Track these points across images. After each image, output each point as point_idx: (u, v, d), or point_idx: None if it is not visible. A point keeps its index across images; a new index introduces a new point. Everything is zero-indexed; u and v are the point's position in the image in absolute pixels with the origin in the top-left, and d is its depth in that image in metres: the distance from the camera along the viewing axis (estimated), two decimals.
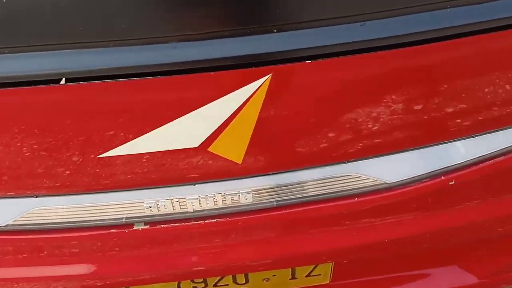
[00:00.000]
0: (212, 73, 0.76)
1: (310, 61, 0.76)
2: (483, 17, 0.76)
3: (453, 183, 0.97)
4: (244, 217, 0.97)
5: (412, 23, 0.75)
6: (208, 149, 0.85)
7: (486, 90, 0.87)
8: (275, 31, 0.75)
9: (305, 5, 0.74)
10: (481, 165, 0.96)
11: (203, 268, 1.05)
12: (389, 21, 0.75)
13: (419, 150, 0.95)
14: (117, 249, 0.97)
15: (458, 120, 0.91)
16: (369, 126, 0.89)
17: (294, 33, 0.75)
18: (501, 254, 1.15)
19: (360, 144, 0.91)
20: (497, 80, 0.87)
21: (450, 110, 0.89)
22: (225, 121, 0.81)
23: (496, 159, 0.95)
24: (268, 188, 0.95)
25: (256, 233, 1.00)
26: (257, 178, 0.93)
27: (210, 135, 0.83)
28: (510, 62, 0.84)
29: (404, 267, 1.20)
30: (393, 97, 0.86)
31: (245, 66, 0.76)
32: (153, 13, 0.73)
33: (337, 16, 0.75)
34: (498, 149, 0.94)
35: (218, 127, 0.81)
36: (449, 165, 0.95)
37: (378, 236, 1.02)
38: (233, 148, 0.85)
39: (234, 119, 0.81)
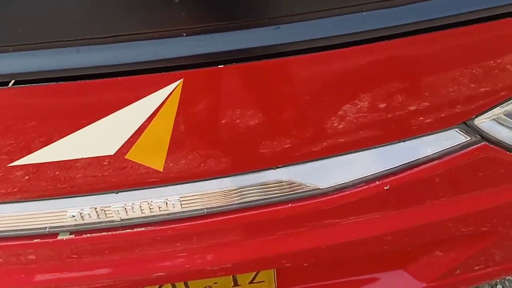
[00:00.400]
0: (119, 78, 0.73)
1: (222, 66, 0.74)
2: (396, 21, 0.74)
3: (388, 188, 0.95)
4: (174, 225, 0.94)
5: (327, 26, 0.73)
6: (126, 157, 0.82)
7: (414, 95, 0.84)
8: (184, 34, 0.72)
9: (215, 8, 0.71)
10: (415, 169, 0.93)
11: (137, 277, 1.02)
12: (304, 24, 0.73)
13: (351, 155, 0.92)
14: (41, 259, 0.94)
15: (389, 125, 0.89)
16: (297, 131, 0.87)
17: (205, 37, 0.71)
18: (445, 258, 1.13)
19: (290, 150, 0.88)
20: (425, 85, 0.84)
21: (380, 114, 0.87)
22: (139, 128, 0.78)
23: (430, 163, 0.93)
24: (196, 196, 0.91)
25: (189, 241, 0.97)
26: (183, 185, 0.90)
27: (125, 142, 0.79)
28: (435, 66, 0.82)
29: (350, 272, 1.18)
30: (318, 101, 0.83)
31: (154, 71, 0.73)
32: (55, 15, 0.70)
33: (249, 20, 0.72)
34: (432, 153, 0.92)
35: (132, 134, 0.78)
36: (382, 170, 0.93)
37: (315, 242, 0.99)
38: (152, 156, 0.82)
39: (149, 126, 0.78)
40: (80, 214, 0.91)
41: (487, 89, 0.87)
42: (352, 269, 1.16)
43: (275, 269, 1.09)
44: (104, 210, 0.92)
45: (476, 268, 1.15)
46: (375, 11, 0.74)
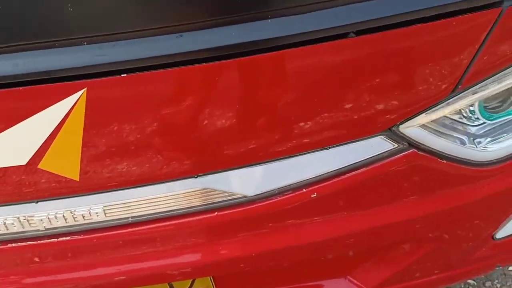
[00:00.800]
0: (21, 88, 0.72)
1: (125, 75, 0.73)
2: (309, 28, 0.72)
3: (315, 195, 0.94)
4: (100, 234, 0.93)
5: (231, 34, 0.72)
6: (39, 166, 0.81)
7: (333, 102, 0.83)
8: (85, 43, 0.71)
9: (114, 16, 0.70)
10: (342, 177, 0.92)
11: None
12: (208, 32, 0.72)
13: (276, 162, 0.91)
14: None
15: (314, 131, 0.87)
16: (217, 138, 0.85)
17: (106, 45, 0.71)
18: (387, 264, 1.11)
19: (210, 158, 0.87)
20: (345, 91, 0.83)
21: (301, 122, 0.86)
22: (48, 138, 0.76)
23: (358, 170, 0.91)
24: (119, 204, 0.90)
25: (117, 250, 0.96)
26: (105, 194, 0.88)
27: (36, 152, 0.78)
28: (355, 72, 0.81)
29: (292, 279, 1.16)
30: (234, 109, 0.82)
31: (58, 81, 0.72)
32: None
33: (151, 28, 0.71)
34: (358, 160, 0.90)
35: (42, 144, 0.77)
36: (308, 177, 0.91)
37: (246, 249, 0.98)
38: (66, 165, 0.81)
39: (58, 135, 0.76)
40: (4, 223, 0.91)
41: (410, 96, 0.85)
42: (294, 276, 1.15)
43: (211, 277, 1.09)
44: (28, 220, 0.91)
45: (417, 275, 1.14)
46: (283, 18, 0.73)
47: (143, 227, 0.93)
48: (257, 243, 0.98)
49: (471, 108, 0.96)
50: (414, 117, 0.88)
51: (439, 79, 0.83)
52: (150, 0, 0.70)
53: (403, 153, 0.91)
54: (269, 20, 0.72)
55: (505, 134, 0.97)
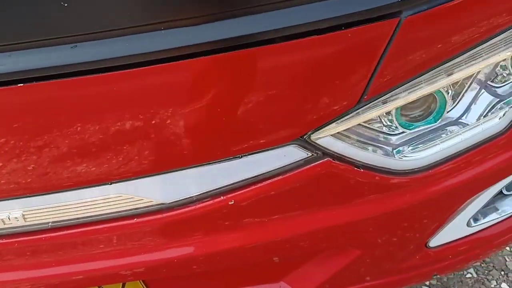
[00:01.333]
0: None
1: (22, 85, 0.75)
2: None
3: (232, 202, 0.95)
4: (19, 239, 0.95)
5: (125, 46, 0.73)
6: None
7: (245, 110, 0.84)
8: None
9: (10, 26, 0.72)
10: (258, 185, 0.93)
11: None
12: (103, 42, 0.73)
13: (194, 169, 0.92)
14: None
15: (226, 140, 0.89)
16: (130, 144, 0.87)
17: (2, 56, 0.72)
18: (317, 271, 1.12)
19: (124, 164, 0.89)
20: (250, 101, 0.84)
21: (212, 129, 0.87)
22: None
23: (273, 179, 0.92)
24: (38, 210, 0.92)
25: (39, 254, 0.98)
26: (22, 199, 0.91)
27: None
28: (260, 82, 0.82)
29: (223, 284, 1.18)
30: (142, 115, 0.83)
31: None
32: None
33: (44, 39, 0.73)
34: (272, 169, 0.91)
35: None
36: (223, 185, 0.92)
37: (167, 255, 1.00)
38: None
39: None
40: None
41: (316, 106, 0.85)
42: (226, 282, 1.16)
43: (142, 281, 1.10)
44: None
45: (351, 282, 1.14)
46: (173, 30, 0.75)
47: (64, 232, 0.95)
48: (179, 249, 0.99)
49: (390, 117, 0.97)
50: (325, 126, 0.88)
51: (343, 90, 0.84)
52: (44, 11, 0.72)
53: (318, 162, 0.92)
54: (162, 31, 0.74)
55: (424, 144, 0.97)
